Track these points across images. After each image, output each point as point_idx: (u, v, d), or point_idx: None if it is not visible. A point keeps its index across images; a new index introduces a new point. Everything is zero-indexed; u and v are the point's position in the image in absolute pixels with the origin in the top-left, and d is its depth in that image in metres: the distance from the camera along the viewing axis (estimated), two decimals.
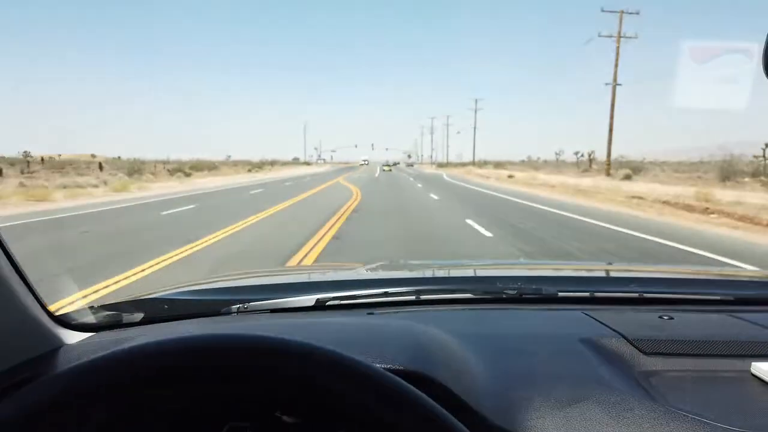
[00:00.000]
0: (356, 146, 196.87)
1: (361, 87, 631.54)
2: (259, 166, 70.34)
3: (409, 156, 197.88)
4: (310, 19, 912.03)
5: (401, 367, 0.72)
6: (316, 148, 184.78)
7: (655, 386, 0.74)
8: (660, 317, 1.00)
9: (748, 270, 3.59)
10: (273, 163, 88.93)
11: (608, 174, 35.14)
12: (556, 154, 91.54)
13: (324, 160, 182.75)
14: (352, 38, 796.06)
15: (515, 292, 1.14)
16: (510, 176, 40.95)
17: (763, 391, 0.74)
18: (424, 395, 0.47)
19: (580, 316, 1.01)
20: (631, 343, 0.86)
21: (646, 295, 1.14)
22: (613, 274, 1.71)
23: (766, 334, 0.92)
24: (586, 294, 1.16)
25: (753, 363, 0.79)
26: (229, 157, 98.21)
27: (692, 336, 0.89)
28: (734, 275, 1.78)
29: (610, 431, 0.64)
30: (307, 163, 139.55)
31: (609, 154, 36.04)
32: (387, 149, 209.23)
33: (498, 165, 78.51)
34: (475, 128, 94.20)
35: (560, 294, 1.15)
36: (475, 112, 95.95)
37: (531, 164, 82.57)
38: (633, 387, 0.73)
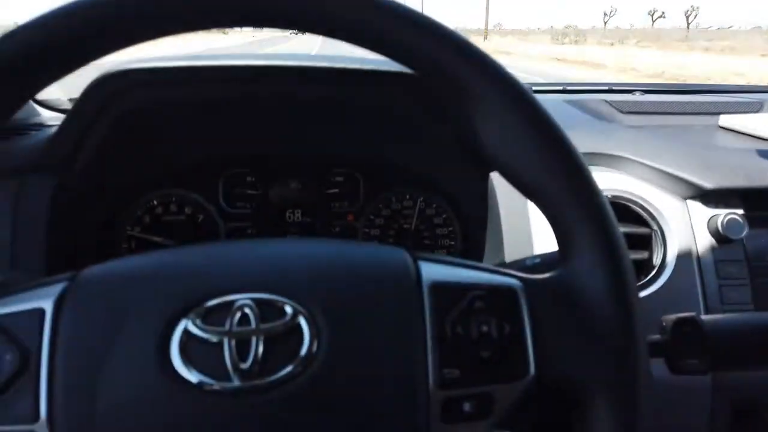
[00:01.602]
0: None
1: None
2: None
3: None
4: None
5: None
6: None
7: (636, 136, 0.90)
8: (632, 94, 1.21)
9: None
10: None
11: None
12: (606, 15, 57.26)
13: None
14: None
15: None
16: None
17: (729, 135, 0.95)
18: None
19: (557, 96, 1.17)
20: (610, 104, 1.02)
21: (614, 87, 1.30)
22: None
23: (731, 103, 1.11)
24: (559, 87, 1.28)
25: (721, 116, 1.00)
26: None
27: (664, 101, 1.09)
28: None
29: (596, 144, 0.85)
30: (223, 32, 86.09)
31: None
32: None
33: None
34: None
35: (534, 88, 1.26)
36: None
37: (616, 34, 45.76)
38: (620, 128, 0.95)
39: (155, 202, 0.90)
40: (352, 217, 0.94)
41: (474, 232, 0.92)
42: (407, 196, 0.94)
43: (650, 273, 0.77)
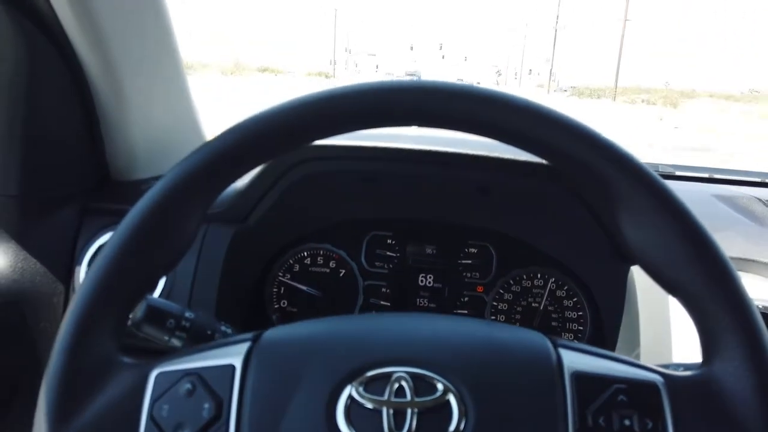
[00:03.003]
0: (412, 48, 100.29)
1: None
2: None
3: (498, 73, 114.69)
4: None
5: None
6: (348, 50, 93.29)
7: None
8: None
9: None
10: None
11: None
12: None
13: (379, 68, 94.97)
14: None
15: None
16: None
17: None
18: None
19: (704, 185, 1.08)
20: (764, 204, 0.93)
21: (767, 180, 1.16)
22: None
23: None
24: (705, 175, 1.17)
25: None
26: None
27: None
28: None
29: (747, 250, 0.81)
30: (326, 75, 61.46)
31: None
32: (466, 58, 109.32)
33: None
34: None
35: (677, 173, 1.16)
36: None
37: None
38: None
39: (305, 254, 0.99)
40: (482, 289, 0.97)
41: (606, 321, 0.91)
42: (539, 275, 0.96)
43: None
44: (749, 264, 0.80)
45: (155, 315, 0.53)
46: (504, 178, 0.84)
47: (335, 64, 78.92)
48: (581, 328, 0.95)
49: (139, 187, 0.92)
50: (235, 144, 0.44)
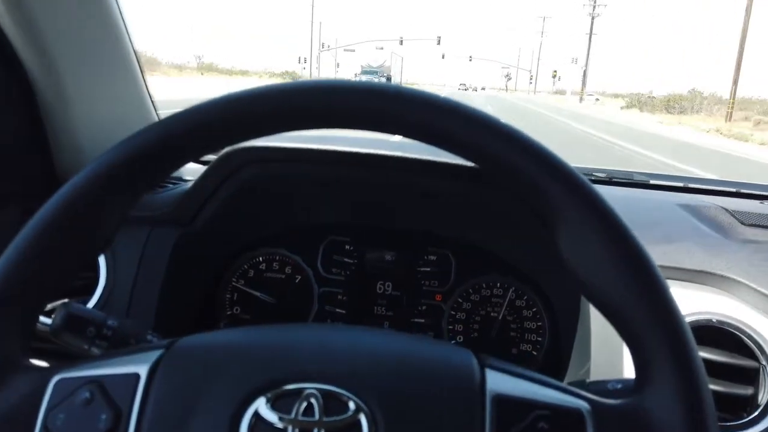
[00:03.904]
0: (401, 42, 64.34)
1: None
2: None
3: (508, 77, 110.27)
4: None
5: None
6: (326, 45, 76.36)
7: (753, 255, 0.80)
8: (760, 202, 1.04)
9: None
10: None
11: None
12: None
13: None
14: None
15: (604, 175, 1.16)
16: None
17: None
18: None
19: (675, 195, 1.06)
20: (731, 214, 0.90)
21: (743, 190, 1.14)
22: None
23: None
24: (680, 184, 1.16)
25: None
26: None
27: None
28: None
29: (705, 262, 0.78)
30: (291, 76, 53.78)
31: None
32: (471, 58, 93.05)
33: None
34: None
35: (652, 182, 1.16)
36: None
37: None
38: (736, 244, 0.82)
39: (260, 259, 0.97)
40: (440, 298, 0.95)
41: (564, 332, 0.89)
42: (498, 285, 0.94)
43: (754, 411, 0.70)
44: (705, 276, 0.78)
45: (74, 322, 0.50)
46: (447, 183, 0.82)
47: (309, 61, 68.33)
48: (540, 339, 0.92)
49: None
50: (145, 145, 0.42)
